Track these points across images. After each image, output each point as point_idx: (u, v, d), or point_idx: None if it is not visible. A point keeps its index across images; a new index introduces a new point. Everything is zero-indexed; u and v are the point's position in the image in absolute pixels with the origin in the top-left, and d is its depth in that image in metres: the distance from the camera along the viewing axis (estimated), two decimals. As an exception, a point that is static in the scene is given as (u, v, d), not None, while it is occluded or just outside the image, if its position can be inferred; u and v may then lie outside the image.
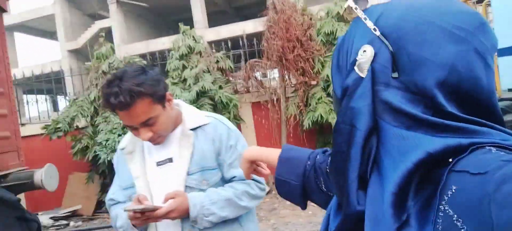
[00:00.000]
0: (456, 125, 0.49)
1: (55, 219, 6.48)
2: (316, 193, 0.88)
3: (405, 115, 0.51)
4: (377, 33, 0.55)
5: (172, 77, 6.51)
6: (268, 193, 6.21)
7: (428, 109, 0.51)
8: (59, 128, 6.16)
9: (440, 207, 0.45)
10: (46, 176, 3.90)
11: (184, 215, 1.29)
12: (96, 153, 5.92)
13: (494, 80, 0.54)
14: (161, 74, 1.33)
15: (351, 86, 0.56)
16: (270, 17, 6.09)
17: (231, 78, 6.71)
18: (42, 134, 6.37)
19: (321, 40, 6.00)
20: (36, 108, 8.40)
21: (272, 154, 0.94)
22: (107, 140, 5.80)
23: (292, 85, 6.46)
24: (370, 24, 0.57)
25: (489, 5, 3.99)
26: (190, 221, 1.31)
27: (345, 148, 0.55)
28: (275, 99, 6.38)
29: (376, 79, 0.54)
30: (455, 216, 0.43)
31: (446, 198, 0.45)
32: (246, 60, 6.87)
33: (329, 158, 0.71)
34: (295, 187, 0.90)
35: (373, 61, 0.54)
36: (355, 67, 0.56)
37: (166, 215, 1.24)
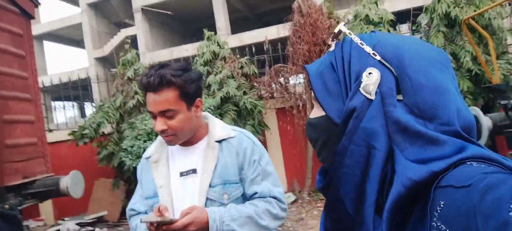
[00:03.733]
0: (455, 140, 0.52)
1: (81, 225, 6.51)
2: None
3: (414, 133, 0.53)
4: (378, 57, 0.59)
5: (197, 83, 6.45)
6: (294, 202, 6.03)
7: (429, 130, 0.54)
8: (85, 134, 6.20)
9: (433, 224, 0.47)
10: (71, 183, 3.89)
11: (203, 230, 1.25)
12: (122, 159, 5.91)
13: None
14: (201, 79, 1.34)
15: (359, 108, 0.57)
16: (296, 21, 5.95)
17: (255, 84, 6.59)
18: (69, 140, 6.43)
19: (349, 43, 5.81)
20: (66, 114, 8.56)
21: None
22: (132, 146, 5.78)
23: (318, 90, 6.27)
24: (368, 49, 0.60)
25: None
26: None
27: (358, 171, 0.56)
28: (300, 104, 6.22)
29: (385, 101, 0.56)
30: (447, 230, 0.45)
31: (436, 214, 0.47)
32: (270, 66, 6.74)
33: (326, 182, 0.66)
34: None
35: (379, 84, 0.57)
36: (361, 89, 0.57)
37: (184, 229, 1.21)
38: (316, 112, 0.67)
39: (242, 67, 6.43)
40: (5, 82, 3.43)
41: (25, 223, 4.97)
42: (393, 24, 5.90)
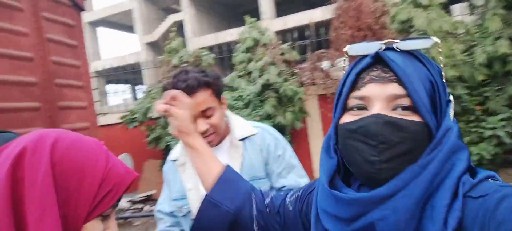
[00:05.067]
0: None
1: (133, 202, 6.98)
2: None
3: None
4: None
5: (238, 70, 6.54)
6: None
7: None
8: (134, 118, 6.55)
9: None
10: (120, 164, 4.15)
11: None
12: (168, 143, 6.20)
13: None
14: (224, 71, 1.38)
15: (453, 126, 0.62)
16: (339, 6, 5.79)
17: (297, 70, 6.54)
18: (121, 123, 6.84)
19: (396, 28, 5.55)
20: (118, 97, 9.07)
21: (211, 157, 0.94)
22: (177, 131, 6.03)
23: (361, 76, 6.10)
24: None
25: None
26: None
27: (437, 179, 0.59)
28: (343, 91, 6.09)
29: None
30: None
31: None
32: (312, 51, 6.64)
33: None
34: (225, 213, 0.83)
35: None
36: (450, 111, 0.63)
37: None
38: (404, 116, 0.62)
39: (283, 53, 6.40)
40: (60, 71, 3.71)
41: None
42: (445, 6, 5.53)
